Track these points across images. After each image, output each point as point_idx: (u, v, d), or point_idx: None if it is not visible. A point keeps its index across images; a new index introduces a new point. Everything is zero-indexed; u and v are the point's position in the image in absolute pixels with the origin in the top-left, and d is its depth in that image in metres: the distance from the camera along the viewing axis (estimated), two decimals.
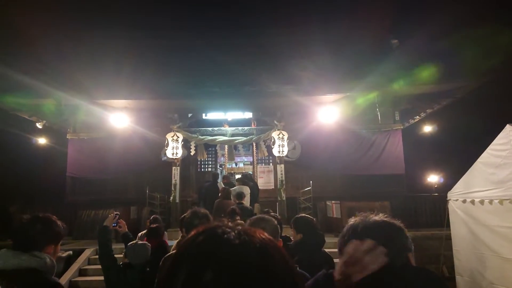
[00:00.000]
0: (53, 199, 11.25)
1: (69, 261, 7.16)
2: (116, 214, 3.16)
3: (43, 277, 1.61)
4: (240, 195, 7.18)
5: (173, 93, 7.95)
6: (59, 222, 1.83)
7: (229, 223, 0.65)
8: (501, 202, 5.81)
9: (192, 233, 0.62)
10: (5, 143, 11.91)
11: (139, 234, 5.21)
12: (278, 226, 2.13)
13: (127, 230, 3.08)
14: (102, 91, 7.84)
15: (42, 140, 12.10)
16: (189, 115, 9.86)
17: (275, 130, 9.34)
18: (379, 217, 1.25)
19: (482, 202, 6.20)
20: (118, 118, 8.90)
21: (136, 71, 7.90)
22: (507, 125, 5.96)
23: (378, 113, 7.96)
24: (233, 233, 0.59)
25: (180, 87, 7.89)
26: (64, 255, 7.31)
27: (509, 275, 5.65)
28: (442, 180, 15.62)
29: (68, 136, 10.88)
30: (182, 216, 3.61)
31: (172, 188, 9.68)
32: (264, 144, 10.43)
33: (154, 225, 4.14)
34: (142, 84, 7.90)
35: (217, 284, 0.53)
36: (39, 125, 10.55)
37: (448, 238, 7.06)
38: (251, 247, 0.57)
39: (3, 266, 1.56)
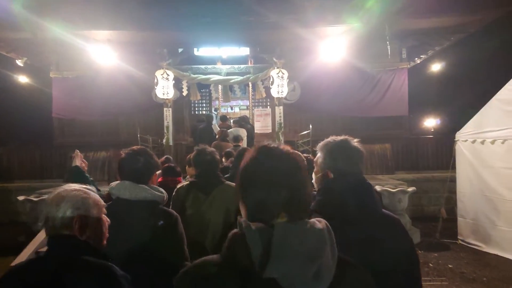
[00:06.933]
0: (41, 141, 10.84)
1: None
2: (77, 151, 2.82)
3: (162, 209, 1.89)
4: (237, 138, 7.10)
5: (160, 23, 7.13)
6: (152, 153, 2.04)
7: None
8: None
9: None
10: None
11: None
12: None
13: (86, 170, 2.76)
14: (81, 20, 7.01)
15: (24, 79, 11.36)
16: (180, 50, 9.09)
17: (274, 68, 8.69)
18: None
19: (493, 142, 5.85)
20: (102, 52, 8.14)
21: None
22: None
23: (389, 46, 7.26)
24: None
25: (168, 17, 7.06)
26: None
27: None
28: (446, 122, 15.25)
29: (52, 75, 10.14)
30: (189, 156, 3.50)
31: (165, 131, 9.26)
32: (262, 85, 9.84)
33: (167, 164, 4.31)
34: (126, 13, 7.07)
35: None
36: (19, 62, 9.83)
37: (452, 180, 6.82)
38: None
39: (129, 197, 1.77)
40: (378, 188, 6.72)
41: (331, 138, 1.55)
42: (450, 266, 5.24)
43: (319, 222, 0.88)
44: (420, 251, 5.92)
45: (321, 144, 1.56)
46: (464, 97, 12.02)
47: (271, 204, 0.87)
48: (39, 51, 9.72)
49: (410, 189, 6.71)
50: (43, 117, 11.07)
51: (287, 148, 0.96)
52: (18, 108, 12.35)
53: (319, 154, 1.56)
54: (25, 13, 6.90)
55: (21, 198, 6.68)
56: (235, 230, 0.89)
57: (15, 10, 6.80)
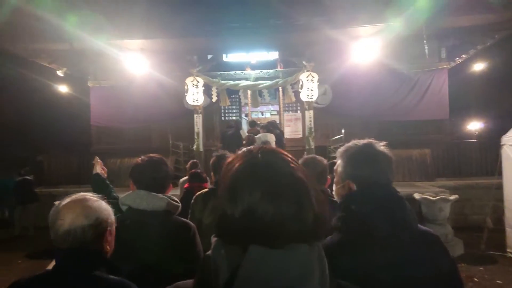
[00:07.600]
0: (79, 148, 11.29)
1: None
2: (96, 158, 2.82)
3: (179, 219, 1.80)
4: (265, 144, 6.89)
5: (189, 31, 7.19)
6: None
7: None
8: None
9: None
10: (27, 91, 11.85)
11: (181, 180, 5.41)
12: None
13: (106, 176, 2.73)
14: (116, 30, 7.22)
15: (65, 89, 11.88)
16: (209, 56, 9.15)
17: (304, 72, 8.51)
18: None
19: None
20: (136, 61, 8.36)
21: (149, 7, 7.17)
22: None
23: (426, 45, 6.85)
24: None
25: (197, 24, 7.11)
26: None
27: None
28: (490, 125, 14.28)
29: (90, 84, 10.58)
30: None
31: (195, 137, 9.31)
32: (292, 89, 9.68)
33: (193, 170, 4.38)
34: (157, 21, 7.20)
35: None
36: (60, 73, 10.26)
37: (498, 187, 6.29)
38: None
39: (146, 207, 1.68)
40: (417, 196, 6.31)
41: (352, 143, 1.32)
42: (498, 281, 4.79)
43: (310, 249, 0.67)
44: (463, 264, 5.46)
45: (341, 149, 1.33)
46: (510, 98, 11.19)
47: (253, 222, 0.67)
48: (78, 61, 10.14)
49: (453, 197, 6.24)
50: (81, 125, 11.55)
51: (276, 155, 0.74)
52: (59, 116, 12.96)
53: (339, 162, 1.33)
54: (62, 24, 7.20)
55: (57, 203, 6.88)
56: (209, 252, 0.72)
57: (54, 22, 7.11)
